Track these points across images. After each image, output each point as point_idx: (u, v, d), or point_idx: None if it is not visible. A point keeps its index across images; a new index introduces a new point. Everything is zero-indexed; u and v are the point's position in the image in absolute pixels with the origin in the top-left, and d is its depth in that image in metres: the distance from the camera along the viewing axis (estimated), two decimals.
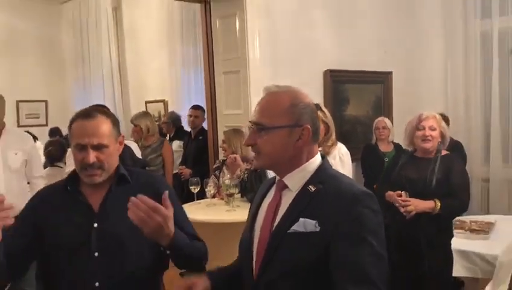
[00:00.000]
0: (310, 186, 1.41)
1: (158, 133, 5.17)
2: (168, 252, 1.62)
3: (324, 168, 1.47)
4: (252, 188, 3.68)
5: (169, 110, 7.05)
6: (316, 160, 1.48)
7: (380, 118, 4.95)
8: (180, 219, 1.77)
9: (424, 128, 3.01)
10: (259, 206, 1.54)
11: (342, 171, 3.08)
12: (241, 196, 3.76)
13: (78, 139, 1.69)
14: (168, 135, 6.00)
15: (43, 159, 4.55)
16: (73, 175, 1.79)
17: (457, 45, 5.41)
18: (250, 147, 1.51)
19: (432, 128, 3.01)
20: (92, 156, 1.68)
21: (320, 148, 3.26)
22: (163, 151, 4.90)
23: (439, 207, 2.90)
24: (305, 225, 1.35)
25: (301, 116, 1.42)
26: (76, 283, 1.68)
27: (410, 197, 2.97)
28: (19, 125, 7.46)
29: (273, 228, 1.42)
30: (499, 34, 5.13)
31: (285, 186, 1.47)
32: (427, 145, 3.01)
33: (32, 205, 1.81)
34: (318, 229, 1.34)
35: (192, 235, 1.80)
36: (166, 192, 1.57)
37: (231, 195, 3.57)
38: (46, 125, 8.05)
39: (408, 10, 5.53)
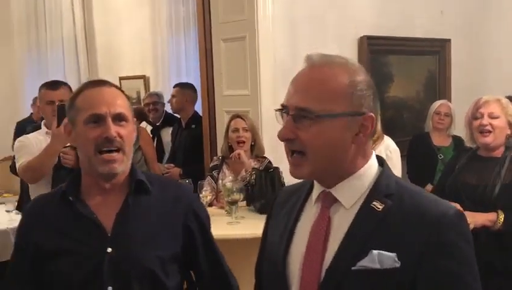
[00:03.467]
0: (375, 203, 1.35)
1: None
2: None
3: (388, 176, 1.41)
4: (260, 193, 3.71)
5: (151, 88, 7.08)
6: (373, 164, 1.42)
7: (442, 101, 4.96)
8: (211, 255, 1.89)
9: (482, 116, 3.02)
10: (294, 228, 1.47)
11: None
12: (247, 204, 3.80)
13: (94, 109, 1.68)
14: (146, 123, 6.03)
15: None
16: (72, 181, 1.79)
17: None
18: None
19: (493, 116, 3.00)
20: (113, 129, 1.67)
21: None
22: (142, 142, 4.93)
23: (502, 221, 2.91)
24: (380, 259, 1.29)
25: (363, 101, 1.35)
26: None
27: (467, 207, 2.96)
28: None
29: (328, 263, 1.35)
30: None
31: (334, 201, 1.40)
32: (486, 138, 3.02)
33: (23, 231, 1.82)
34: (398, 265, 1.28)
35: (224, 274, 1.90)
36: None
37: (234, 202, 3.60)
38: None
39: None
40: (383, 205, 1.34)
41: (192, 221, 1.82)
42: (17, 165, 3.61)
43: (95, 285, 1.68)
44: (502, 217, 2.90)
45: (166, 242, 1.74)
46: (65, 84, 3.66)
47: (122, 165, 1.72)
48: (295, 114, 1.35)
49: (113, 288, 1.68)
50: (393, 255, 1.28)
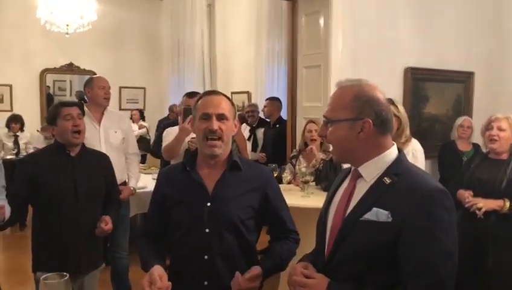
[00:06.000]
0: (386, 178, 1.36)
1: None
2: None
3: (400, 161, 1.41)
4: (326, 177, 3.64)
5: (252, 101, 7.13)
6: (392, 152, 1.42)
7: (465, 117, 4.71)
8: (283, 212, 1.90)
9: (492, 129, 2.92)
10: (335, 193, 1.53)
11: None
12: (316, 184, 3.73)
13: (204, 110, 1.78)
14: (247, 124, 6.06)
15: None
16: (191, 157, 1.88)
17: None
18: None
19: (501, 129, 2.90)
20: (216, 124, 1.76)
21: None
22: (236, 137, 4.94)
23: (508, 206, 2.79)
24: (378, 214, 1.32)
25: (363, 110, 1.38)
26: (189, 254, 1.79)
27: (480, 196, 2.87)
28: (120, 109, 7.91)
29: (346, 215, 1.40)
30: None
31: (360, 176, 1.43)
32: (493, 145, 2.92)
33: (158, 184, 1.94)
34: (390, 219, 1.30)
35: (288, 231, 1.91)
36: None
37: (306, 182, 3.55)
38: (144, 109, 8.46)
39: (493, 9, 5.14)
40: (391, 180, 1.36)
41: (269, 189, 1.86)
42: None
43: (198, 226, 1.76)
44: (508, 203, 2.79)
45: (247, 204, 1.78)
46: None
47: (220, 149, 1.79)
48: (325, 120, 1.46)
49: (209, 230, 1.76)
50: (387, 212, 1.31)
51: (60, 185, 2.49)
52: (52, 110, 2.64)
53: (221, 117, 1.77)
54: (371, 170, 1.41)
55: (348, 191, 1.46)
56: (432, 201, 1.29)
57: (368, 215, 1.33)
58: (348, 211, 1.41)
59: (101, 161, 2.75)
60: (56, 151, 2.59)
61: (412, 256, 1.27)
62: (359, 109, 1.38)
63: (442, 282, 1.26)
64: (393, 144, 1.45)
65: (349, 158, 1.46)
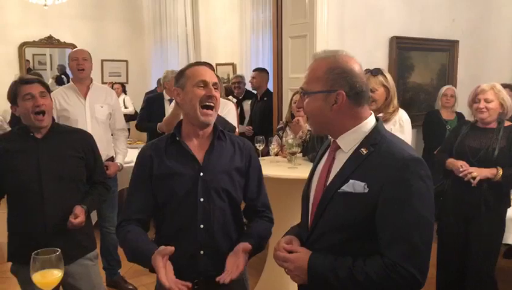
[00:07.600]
0: (362, 149, 1.38)
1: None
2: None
3: (378, 131, 1.42)
4: (313, 148, 3.66)
5: (237, 72, 7.08)
6: (369, 122, 1.43)
7: (449, 86, 4.76)
8: (259, 188, 1.93)
9: (479, 101, 2.92)
10: (318, 165, 1.55)
11: (401, 138, 2.98)
12: (303, 155, 3.76)
13: (201, 77, 1.81)
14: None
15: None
16: (178, 128, 1.87)
17: None
18: None
19: (488, 101, 2.91)
20: (213, 91, 1.80)
21: (381, 114, 3.20)
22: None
23: (501, 174, 2.83)
24: (354, 186, 1.34)
25: (336, 82, 1.38)
26: (184, 225, 1.80)
27: (472, 165, 2.91)
28: (102, 82, 7.79)
29: (326, 187, 1.43)
30: None
31: (339, 147, 1.45)
32: (482, 115, 2.94)
33: (145, 156, 1.86)
34: (366, 190, 1.32)
35: (264, 206, 1.93)
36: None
37: (293, 153, 3.56)
38: (127, 82, 8.36)
39: None
40: (367, 151, 1.37)
41: (250, 161, 1.90)
42: None
43: (192, 196, 1.78)
44: (501, 171, 2.83)
45: (237, 171, 1.83)
46: None
47: (214, 118, 1.83)
48: (302, 92, 1.48)
49: (203, 198, 1.79)
50: (363, 184, 1.33)
51: (22, 170, 2.23)
52: (12, 87, 2.29)
53: (215, 86, 1.82)
54: (349, 141, 1.42)
55: (327, 163, 1.48)
56: (407, 170, 1.30)
57: (345, 187, 1.36)
58: (328, 182, 1.43)
59: (76, 140, 2.41)
60: (21, 133, 2.31)
61: (389, 225, 1.29)
62: (332, 81, 1.38)
63: (418, 250, 1.28)
64: (371, 114, 1.45)
65: (326, 130, 1.47)
